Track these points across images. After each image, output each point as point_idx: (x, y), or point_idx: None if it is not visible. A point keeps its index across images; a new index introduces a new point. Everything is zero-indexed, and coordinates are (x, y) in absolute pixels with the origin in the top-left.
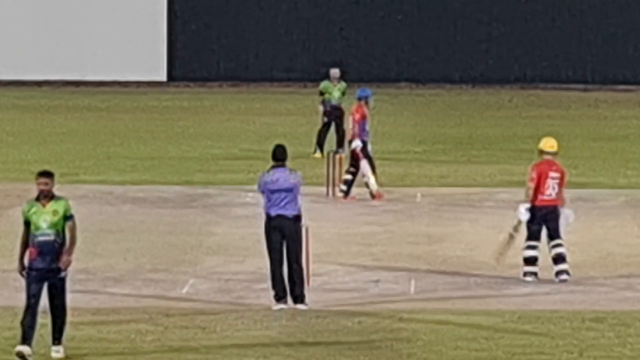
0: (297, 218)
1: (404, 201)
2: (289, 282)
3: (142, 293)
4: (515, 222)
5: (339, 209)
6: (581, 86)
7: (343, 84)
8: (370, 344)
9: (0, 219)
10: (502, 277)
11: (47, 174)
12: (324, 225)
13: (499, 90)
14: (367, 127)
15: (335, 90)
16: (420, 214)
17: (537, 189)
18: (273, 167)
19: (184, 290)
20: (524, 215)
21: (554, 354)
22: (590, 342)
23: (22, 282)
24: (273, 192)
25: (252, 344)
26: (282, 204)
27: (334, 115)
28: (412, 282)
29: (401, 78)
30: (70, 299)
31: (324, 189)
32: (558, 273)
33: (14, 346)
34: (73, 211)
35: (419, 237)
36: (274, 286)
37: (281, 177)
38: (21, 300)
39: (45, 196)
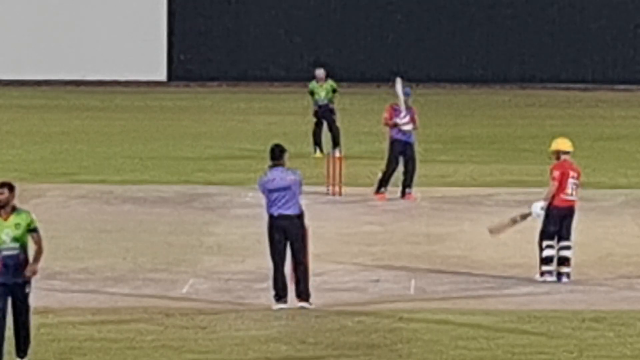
0: (300, 216)
1: (404, 201)
2: (294, 281)
3: (142, 293)
4: (526, 211)
5: (339, 209)
6: (581, 86)
7: (330, 83)
8: (370, 343)
9: None
10: (502, 277)
11: (3, 185)
12: (324, 225)
13: (499, 90)
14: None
15: (321, 90)
16: (420, 213)
17: (559, 189)
18: (270, 167)
19: (184, 290)
20: (539, 215)
21: (554, 354)
22: (590, 341)
23: None
24: (271, 191)
25: (252, 344)
26: (282, 203)
27: (322, 114)
28: (412, 282)
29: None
30: (70, 298)
31: (324, 189)
32: (560, 274)
33: (14, 346)
34: (37, 223)
35: (419, 237)
36: (275, 286)
37: (278, 176)
38: None
39: (4, 208)
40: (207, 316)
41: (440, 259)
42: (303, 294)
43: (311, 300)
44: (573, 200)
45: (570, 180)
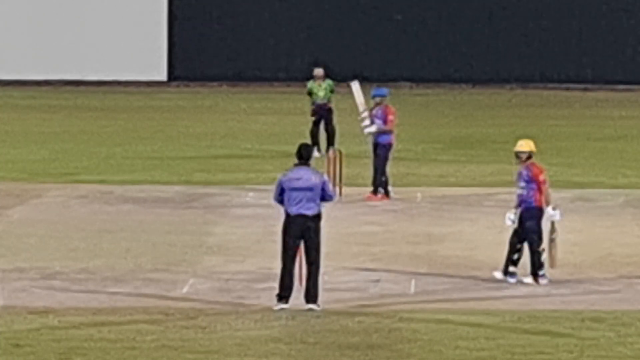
0: (317, 217)
1: (404, 201)
2: (305, 282)
3: (142, 293)
4: (550, 226)
5: (339, 209)
6: (581, 86)
7: (329, 82)
8: (370, 343)
9: (0, 218)
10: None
11: None
12: (323, 225)
13: (499, 90)
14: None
15: (320, 89)
16: (420, 213)
17: (540, 191)
18: (296, 165)
19: (184, 290)
20: (559, 215)
21: (554, 354)
22: (590, 341)
23: (24, 282)
24: (294, 190)
25: (252, 344)
26: (302, 203)
27: (320, 113)
28: (412, 282)
29: (401, 78)
30: (70, 298)
31: None
32: (514, 274)
33: (14, 346)
34: None
35: (419, 237)
36: (281, 285)
37: (304, 175)
38: (21, 299)
39: None
40: (207, 316)
41: (441, 259)
42: (312, 296)
43: (319, 302)
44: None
45: None
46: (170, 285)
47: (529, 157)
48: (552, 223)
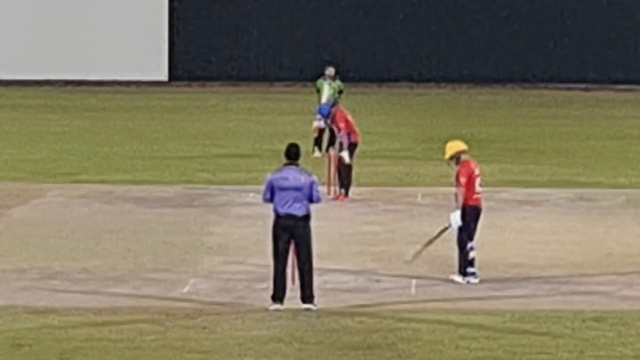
0: (307, 217)
1: (405, 201)
2: (299, 282)
3: (142, 293)
4: (445, 225)
5: (340, 208)
6: (582, 86)
7: (338, 83)
8: (371, 343)
9: (1, 218)
10: (502, 277)
11: None
12: (324, 225)
13: (499, 90)
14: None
15: (329, 89)
16: (420, 213)
17: (470, 190)
18: (285, 165)
19: (185, 290)
20: (459, 223)
21: (555, 354)
22: (590, 341)
23: (25, 282)
24: (283, 189)
25: (252, 344)
26: (290, 202)
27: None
28: (413, 282)
29: (401, 78)
30: (71, 298)
31: (324, 189)
32: (472, 274)
33: (14, 346)
34: None
35: (420, 236)
36: (274, 286)
37: (292, 175)
38: (22, 299)
39: None
40: (208, 316)
41: (441, 259)
42: (307, 296)
43: (315, 301)
44: (481, 197)
45: (477, 179)
46: (171, 285)
47: (458, 158)
48: (448, 226)
